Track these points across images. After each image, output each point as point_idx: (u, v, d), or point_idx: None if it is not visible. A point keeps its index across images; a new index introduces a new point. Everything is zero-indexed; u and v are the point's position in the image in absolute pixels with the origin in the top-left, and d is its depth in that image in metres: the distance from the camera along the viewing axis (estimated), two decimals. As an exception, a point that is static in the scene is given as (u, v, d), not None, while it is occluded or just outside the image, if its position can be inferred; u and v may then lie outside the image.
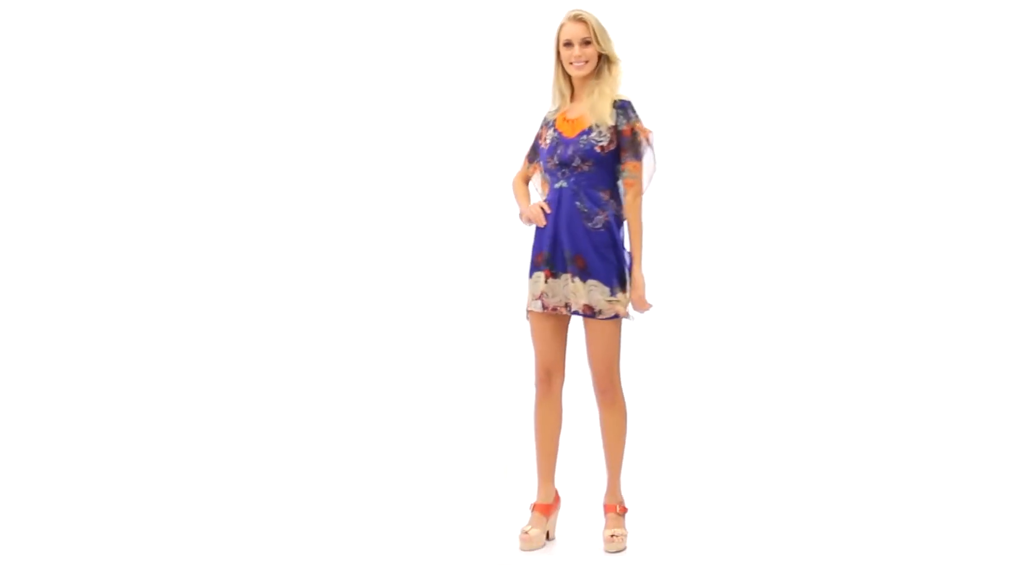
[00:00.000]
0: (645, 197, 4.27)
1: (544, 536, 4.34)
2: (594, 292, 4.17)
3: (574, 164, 4.19)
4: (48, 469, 5.33)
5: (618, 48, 4.25)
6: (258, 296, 6.99)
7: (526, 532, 4.30)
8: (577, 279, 4.18)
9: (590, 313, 4.18)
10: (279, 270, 7.03)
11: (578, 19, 4.22)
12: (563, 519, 4.49)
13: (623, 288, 4.21)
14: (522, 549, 4.26)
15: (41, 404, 6.28)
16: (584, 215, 4.18)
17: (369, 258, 7.03)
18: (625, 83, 4.32)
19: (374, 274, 7.00)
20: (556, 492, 4.41)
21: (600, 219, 4.18)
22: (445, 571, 4.08)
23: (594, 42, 4.20)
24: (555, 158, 4.24)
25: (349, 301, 6.96)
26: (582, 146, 4.18)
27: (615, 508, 4.37)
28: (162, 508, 4.78)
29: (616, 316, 4.19)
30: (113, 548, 4.28)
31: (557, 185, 4.23)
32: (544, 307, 4.25)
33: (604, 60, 4.24)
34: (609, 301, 4.18)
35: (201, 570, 4.08)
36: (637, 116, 4.22)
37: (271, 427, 6.04)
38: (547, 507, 4.37)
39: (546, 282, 4.24)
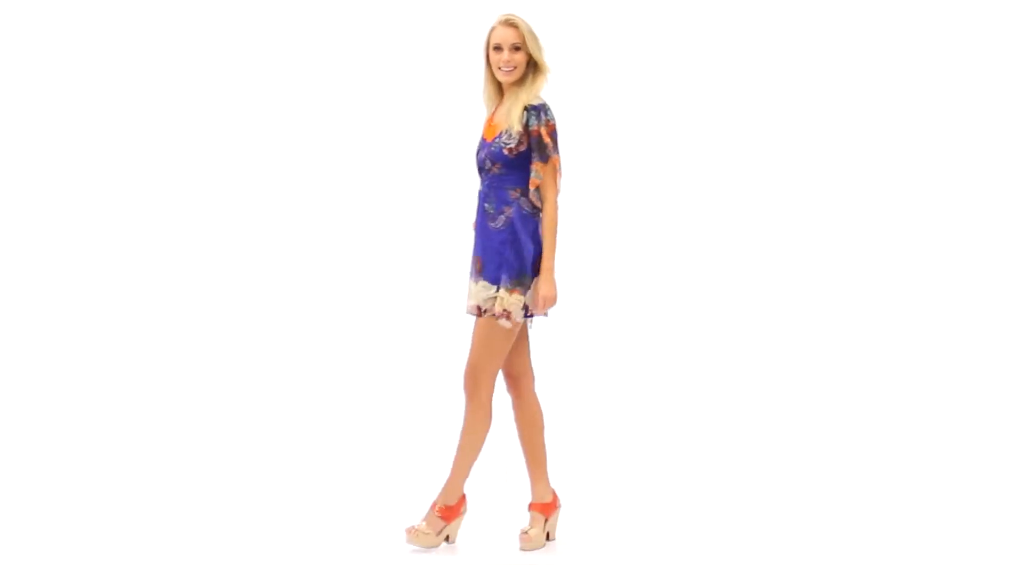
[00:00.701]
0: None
1: (544, 536, 4.35)
2: (482, 292, 4.19)
3: (487, 167, 4.24)
4: (40, 467, 5.35)
5: (548, 57, 4.22)
6: (248, 298, 7.00)
7: (525, 532, 4.30)
8: (471, 280, 4.24)
9: (478, 314, 4.20)
10: (268, 272, 7.03)
11: (510, 23, 4.19)
12: (563, 519, 4.49)
13: (512, 286, 4.15)
14: (522, 549, 4.27)
15: (30, 402, 6.30)
16: (490, 216, 4.22)
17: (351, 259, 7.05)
18: (559, 87, 4.31)
19: (355, 275, 7.02)
20: (554, 492, 4.42)
21: (503, 218, 4.19)
22: (446, 571, 4.10)
23: (524, 48, 4.18)
24: (476, 163, 4.30)
25: (334, 301, 6.98)
26: (493, 149, 4.21)
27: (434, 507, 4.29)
28: (136, 504, 4.80)
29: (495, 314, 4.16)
30: (101, 546, 4.30)
31: (479, 189, 4.29)
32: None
33: (531, 67, 4.22)
34: (491, 298, 4.17)
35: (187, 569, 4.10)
36: (548, 119, 4.17)
37: (273, 430, 6.05)
38: (545, 507, 4.38)
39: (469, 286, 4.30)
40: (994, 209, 6.82)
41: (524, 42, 4.17)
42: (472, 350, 4.22)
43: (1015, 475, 5.21)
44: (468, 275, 4.30)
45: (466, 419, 4.26)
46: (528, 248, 4.16)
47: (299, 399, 6.44)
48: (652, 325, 6.89)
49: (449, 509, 4.28)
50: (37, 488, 5.05)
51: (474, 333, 4.23)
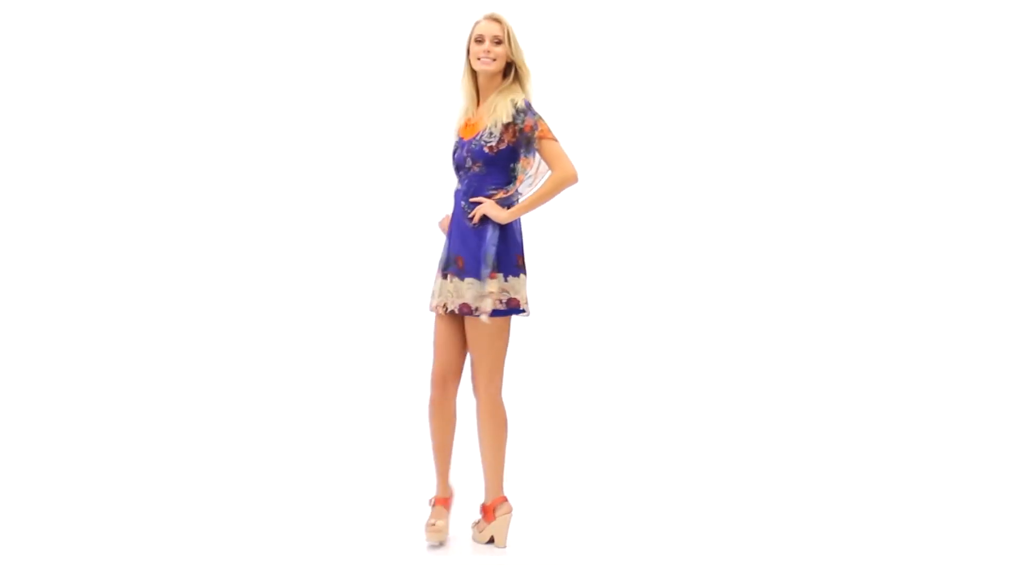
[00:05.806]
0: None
1: (448, 528, 4.37)
2: (469, 290, 4.18)
3: (467, 166, 4.24)
4: (41, 469, 5.40)
5: (530, 61, 4.24)
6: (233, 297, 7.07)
7: (433, 524, 4.32)
8: (448, 279, 4.22)
9: (468, 312, 4.19)
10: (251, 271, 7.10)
11: (493, 19, 4.25)
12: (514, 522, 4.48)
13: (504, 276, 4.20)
14: (429, 540, 4.29)
15: (30, 403, 6.40)
16: (465, 213, 4.22)
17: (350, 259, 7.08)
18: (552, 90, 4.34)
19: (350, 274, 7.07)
20: (451, 488, 4.46)
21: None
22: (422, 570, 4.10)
23: (505, 44, 4.20)
24: (454, 162, 4.31)
25: (317, 301, 7.02)
26: (474, 147, 4.20)
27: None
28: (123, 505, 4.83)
29: (495, 313, 4.17)
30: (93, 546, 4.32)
31: (456, 188, 4.30)
32: (432, 308, 4.30)
33: (513, 68, 4.24)
34: (482, 295, 4.16)
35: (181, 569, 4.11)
36: (538, 117, 4.18)
37: (270, 429, 6.11)
38: (447, 501, 4.41)
39: (437, 283, 4.30)
40: (993, 209, 6.76)
41: (506, 39, 4.20)
42: (482, 349, 4.19)
43: (1015, 475, 5.17)
44: (437, 272, 4.29)
45: (491, 419, 4.25)
46: (515, 244, 4.20)
47: (294, 397, 6.50)
48: (630, 326, 6.88)
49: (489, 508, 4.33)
50: (41, 490, 5.09)
51: (478, 333, 4.19)
